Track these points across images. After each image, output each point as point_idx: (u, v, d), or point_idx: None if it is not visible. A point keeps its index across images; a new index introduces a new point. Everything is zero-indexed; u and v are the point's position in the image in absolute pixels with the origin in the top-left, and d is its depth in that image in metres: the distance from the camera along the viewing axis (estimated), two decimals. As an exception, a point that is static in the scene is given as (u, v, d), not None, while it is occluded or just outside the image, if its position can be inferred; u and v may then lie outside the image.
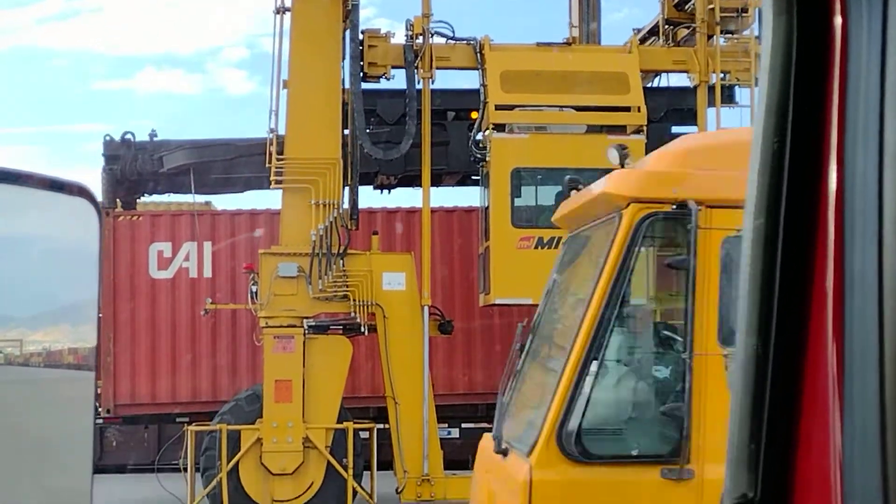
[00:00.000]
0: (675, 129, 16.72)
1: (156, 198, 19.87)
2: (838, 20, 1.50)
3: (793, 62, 1.55)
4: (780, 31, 1.56)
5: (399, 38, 15.37)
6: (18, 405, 2.45)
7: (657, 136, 15.55)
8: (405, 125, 15.01)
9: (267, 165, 14.94)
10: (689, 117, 16.07)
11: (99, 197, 18.43)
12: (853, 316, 1.46)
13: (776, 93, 1.56)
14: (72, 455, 2.53)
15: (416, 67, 15.05)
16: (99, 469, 19.52)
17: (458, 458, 18.45)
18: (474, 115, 15.52)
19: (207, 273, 18.42)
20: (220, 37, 70.89)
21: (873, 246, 1.42)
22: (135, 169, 18.01)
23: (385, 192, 17.94)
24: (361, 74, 15.06)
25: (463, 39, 15.29)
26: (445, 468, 15.39)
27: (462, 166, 16.44)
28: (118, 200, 18.64)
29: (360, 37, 15.05)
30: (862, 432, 1.41)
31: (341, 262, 14.56)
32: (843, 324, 1.47)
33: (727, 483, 1.60)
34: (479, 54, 15.08)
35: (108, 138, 18.21)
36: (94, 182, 18.40)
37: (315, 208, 14.54)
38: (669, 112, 16.47)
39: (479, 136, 15.17)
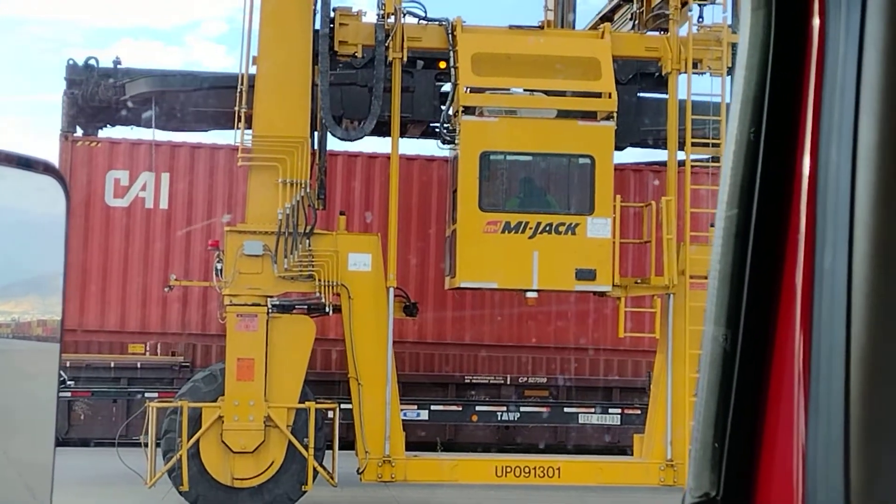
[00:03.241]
0: (642, 95, 16.82)
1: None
2: (816, 21, 1.50)
3: (770, 57, 1.55)
4: (757, 25, 1.56)
5: (371, 17, 15.30)
6: None
7: (624, 100, 15.64)
8: (373, 69, 14.90)
9: (234, 144, 14.88)
10: (658, 83, 16.05)
11: (59, 122, 18.32)
12: (821, 311, 1.46)
13: (752, 87, 1.56)
14: (34, 428, 2.52)
15: (387, 47, 14.97)
16: (66, 443, 19.44)
17: (427, 439, 18.55)
18: (442, 64, 15.52)
19: (164, 205, 18.34)
20: (199, 10, 70.04)
21: (844, 241, 1.42)
22: (96, 95, 17.75)
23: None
24: (331, 53, 14.96)
25: (435, 20, 15.23)
26: (414, 450, 15.42)
27: (426, 115, 16.48)
28: (78, 127, 18.44)
29: (332, 14, 14.95)
30: (826, 432, 1.41)
31: (307, 241, 14.51)
32: (811, 319, 1.47)
33: (690, 481, 1.60)
34: (450, 35, 15.02)
35: (71, 62, 17.93)
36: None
37: (282, 187, 14.46)
38: (638, 76, 16.53)
39: (449, 119, 15.14)
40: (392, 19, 15.01)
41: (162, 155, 18.53)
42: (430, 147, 18.73)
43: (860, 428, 1.37)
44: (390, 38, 14.94)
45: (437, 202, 18.03)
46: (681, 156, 15.44)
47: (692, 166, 15.33)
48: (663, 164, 16.55)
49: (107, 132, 19.14)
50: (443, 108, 15.63)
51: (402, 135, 15.90)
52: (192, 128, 18.77)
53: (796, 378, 1.48)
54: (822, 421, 1.42)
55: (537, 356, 19.71)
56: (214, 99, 17.33)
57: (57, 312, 2.85)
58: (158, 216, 18.38)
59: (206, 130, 18.93)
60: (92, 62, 17.96)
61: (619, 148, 15.52)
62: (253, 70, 14.74)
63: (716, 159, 15.03)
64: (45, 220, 2.44)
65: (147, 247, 18.25)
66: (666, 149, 15.96)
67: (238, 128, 14.76)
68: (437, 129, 15.74)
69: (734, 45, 15.33)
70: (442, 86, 16.26)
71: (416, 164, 18.55)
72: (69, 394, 19.03)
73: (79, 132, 18.55)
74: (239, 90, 14.70)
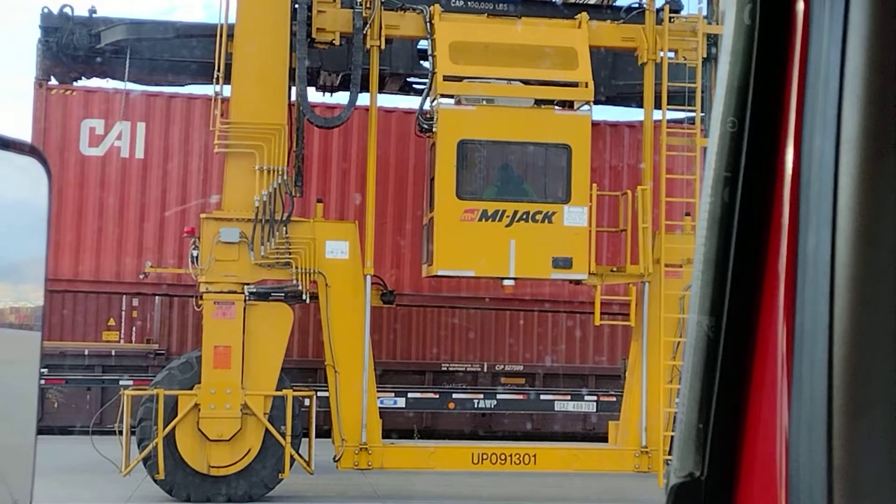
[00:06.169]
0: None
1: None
2: (801, 6, 1.51)
3: (755, 44, 1.56)
4: (742, 12, 1.57)
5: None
6: None
7: (600, 61, 15.75)
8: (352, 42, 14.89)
9: (211, 129, 14.82)
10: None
11: (34, 71, 18.03)
12: (804, 297, 1.47)
13: (737, 74, 1.57)
14: (16, 415, 2.49)
15: (365, 35, 14.93)
16: (39, 431, 19.36)
17: (405, 427, 18.57)
18: None
19: (140, 154, 18.17)
20: (177, -5, 69.39)
21: (827, 228, 1.44)
22: (71, 43, 17.50)
23: (328, 94, 17.92)
24: (308, 40, 14.92)
25: (413, 7, 15.20)
26: (392, 437, 15.43)
27: (404, 67, 16.44)
28: (52, 77, 18.21)
29: (309, 1, 14.90)
30: (809, 414, 1.43)
31: (284, 228, 14.48)
32: (795, 304, 1.49)
33: (675, 462, 1.61)
34: (428, 23, 15.00)
35: (45, 10, 17.66)
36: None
37: (259, 174, 14.43)
38: None
39: (427, 107, 15.13)
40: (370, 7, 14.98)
41: (138, 104, 18.30)
42: (408, 100, 18.59)
43: (842, 410, 1.39)
44: (368, 25, 14.91)
45: (415, 155, 17.93)
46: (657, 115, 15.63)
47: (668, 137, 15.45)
48: (639, 122, 16.72)
49: (82, 83, 18.90)
50: (423, 63, 15.58)
51: (381, 90, 15.92)
52: (169, 81, 18.51)
53: (779, 362, 1.49)
54: (804, 403, 1.44)
55: (514, 310, 19.69)
56: (194, 48, 17.10)
57: (30, 299, 2.81)
58: (134, 165, 18.17)
59: (184, 84, 18.69)
60: (67, 10, 17.69)
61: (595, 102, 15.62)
62: (232, 19, 14.67)
63: (691, 121, 15.37)
64: (26, 204, 2.39)
65: (123, 195, 18.07)
66: (638, 106, 16.11)
67: (216, 81, 14.70)
68: (414, 84, 15.76)
69: (709, 36, 15.45)
70: (419, 40, 16.21)
71: (393, 117, 18.41)
72: (42, 381, 18.94)
73: (53, 82, 18.32)
74: (218, 43, 14.64)
